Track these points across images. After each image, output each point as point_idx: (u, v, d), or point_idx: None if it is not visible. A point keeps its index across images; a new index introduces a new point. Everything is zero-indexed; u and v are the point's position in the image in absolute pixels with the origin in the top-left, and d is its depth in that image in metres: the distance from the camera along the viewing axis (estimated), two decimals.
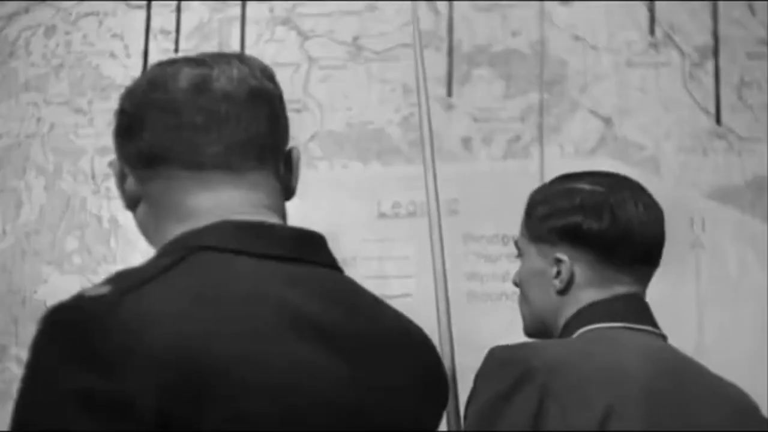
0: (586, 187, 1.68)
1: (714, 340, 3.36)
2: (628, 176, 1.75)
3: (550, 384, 1.51)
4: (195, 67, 1.20)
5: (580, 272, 1.67)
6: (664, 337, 1.68)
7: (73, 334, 0.99)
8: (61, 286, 3.77)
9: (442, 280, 1.90)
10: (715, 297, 3.44)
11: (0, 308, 3.90)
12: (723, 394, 1.65)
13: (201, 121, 1.17)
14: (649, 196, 1.71)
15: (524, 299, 1.75)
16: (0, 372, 3.83)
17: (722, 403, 1.63)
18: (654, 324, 1.68)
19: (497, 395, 1.52)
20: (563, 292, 1.68)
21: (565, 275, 1.67)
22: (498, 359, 1.58)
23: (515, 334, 1.72)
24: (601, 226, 1.65)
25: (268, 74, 1.25)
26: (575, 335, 1.65)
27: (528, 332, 1.77)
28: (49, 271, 3.89)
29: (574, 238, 1.67)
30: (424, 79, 2.07)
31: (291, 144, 1.32)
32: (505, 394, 1.51)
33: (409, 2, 3.47)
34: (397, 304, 1.25)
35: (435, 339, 1.27)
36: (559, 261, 1.68)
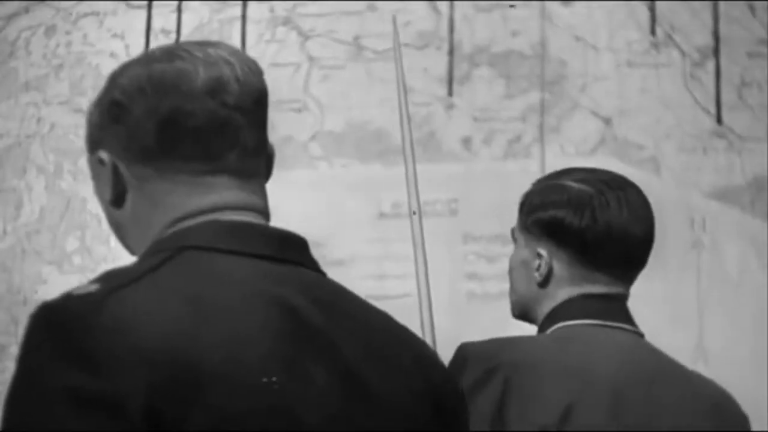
0: (575, 185, 1.70)
1: (714, 340, 3.36)
2: (624, 176, 1.76)
3: (513, 380, 1.53)
4: (206, 68, 1.18)
5: (559, 268, 1.70)
6: (640, 335, 1.69)
7: (60, 333, 0.98)
8: (61, 286, 3.76)
9: (424, 281, 1.92)
10: (716, 296, 3.44)
11: (0, 308, 3.90)
12: (697, 391, 1.66)
13: (217, 127, 1.16)
14: (639, 197, 1.71)
15: (511, 284, 1.79)
16: (0, 372, 3.83)
17: (696, 401, 1.64)
18: (630, 321, 1.69)
19: (465, 389, 1.53)
20: (542, 285, 1.71)
21: (543, 270, 1.70)
22: (464, 355, 1.61)
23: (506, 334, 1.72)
24: (580, 225, 1.67)
25: (260, 71, 1.24)
26: (549, 331, 1.68)
27: (514, 314, 1.81)
28: (49, 271, 3.90)
29: (555, 233, 1.69)
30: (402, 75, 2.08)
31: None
32: (469, 390, 1.53)
33: (404, 3, 3.47)
34: (397, 304, 1.25)
35: (439, 341, 1.27)
36: (539, 255, 1.70)
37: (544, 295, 1.71)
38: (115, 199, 1.20)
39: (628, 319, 1.69)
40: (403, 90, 2.11)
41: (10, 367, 4.03)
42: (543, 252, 1.70)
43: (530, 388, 1.53)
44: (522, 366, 1.55)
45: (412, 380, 1.17)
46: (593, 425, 1.53)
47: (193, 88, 1.16)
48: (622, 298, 1.71)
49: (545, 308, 1.71)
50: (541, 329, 1.70)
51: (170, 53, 1.20)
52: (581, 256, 1.68)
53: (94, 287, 1.02)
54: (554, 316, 1.69)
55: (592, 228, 1.66)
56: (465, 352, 1.61)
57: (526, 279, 1.74)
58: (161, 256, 1.09)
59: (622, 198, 1.69)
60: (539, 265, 1.71)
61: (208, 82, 1.16)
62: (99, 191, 1.22)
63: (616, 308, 1.69)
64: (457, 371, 1.57)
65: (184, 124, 1.16)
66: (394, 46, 2.22)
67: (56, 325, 0.99)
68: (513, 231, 1.80)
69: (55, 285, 3.82)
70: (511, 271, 1.79)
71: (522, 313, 1.78)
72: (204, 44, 1.22)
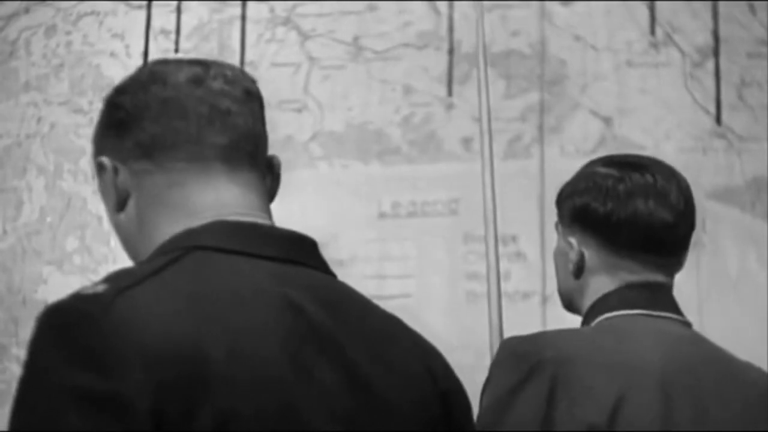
0: (602, 169, 1.69)
1: (714, 339, 3.36)
2: (660, 161, 1.74)
3: (560, 375, 1.51)
4: (192, 65, 1.22)
5: (589, 257, 1.68)
6: (687, 324, 1.67)
7: (68, 333, 0.99)
8: (61, 286, 3.77)
9: (495, 279, 1.91)
10: (716, 296, 3.44)
11: (0, 308, 3.90)
12: (747, 380, 1.63)
13: (206, 113, 1.19)
14: (672, 181, 1.68)
15: (556, 276, 1.78)
16: (0, 372, 3.83)
17: (746, 390, 1.61)
18: (676, 310, 1.67)
19: (508, 388, 1.53)
20: (577, 275, 1.70)
21: (574, 259, 1.69)
22: (510, 351, 1.59)
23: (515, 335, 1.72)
24: (606, 210, 1.65)
25: (253, 79, 1.27)
26: (593, 323, 1.66)
27: (563, 306, 1.79)
28: (49, 271, 3.90)
29: (582, 220, 1.68)
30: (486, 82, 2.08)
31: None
32: (516, 386, 1.52)
33: (404, 3, 3.47)
34: (397, 305, 1.25)
35: (440, 341, 1.27)
36: (571, 245, 1.70)
37: (581, 286, 1.70)
38: (118, 203, 1.22)
39: (673, 307, 1.67)
40: (485, 84, 2.09)
41: (10, 367, 4.04)
42: (573, 241, 1.69)
43: (578, 382, 1.51)
44: (568, 360, 1.53)
45: (416, 382, 1.17)
46: (643, 418, 1.51)
47: (179, 80, 1.20)
48: (665, 287, 1.68)
49: (587, 300, 1.69)
50: (585, 322, 1.69)
51: (159, 60, 1.25)
52: (608, 242, 1.66)
53: (102, 287, 1.03)
54: (597, 307, 1.67)
55: (616, 212, 1.65)
56: (509, 348, 1.60)
57: (564, 270, 1.73)
58: (169, 257, 1.10)
59: (650, 182, 1.66)
60: (571, 256, 1.70)
61: (194, 75, 1.20)
62: (104, 199, 1.24)
63: (659, 297, 1.66)
64: (501, 368, 1.57)
65: (173, 112, 1.19)
66: (478, 35, 2.19)
67: (64, 326, 1.00)
68: (556, 224, 1.78)
69: (55, 285, 3.82)
70: (555, 264, 1.78)
71: (568, 304, 1.76)
72: (201, 59, 1.26)
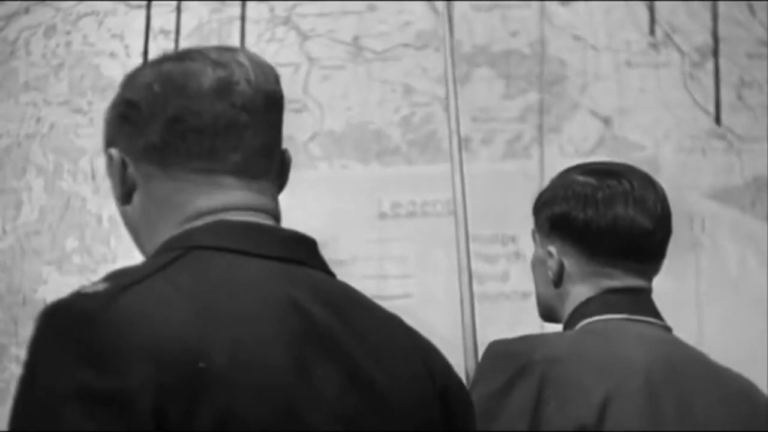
0: (580, 178, 1.69)
1: (714, 340, 3.36)
2: (633, 166, 1.75)
3: (549, 376, 1.52)
4: (215, 68, 1.19)
5: (569, 265, 1.69)
6: (667, 329, 1.68)
7: (68, 331, 0.99)
8: (60, 286, 3.77)
9: (467, 281, 1.92)
10: (715, 297, 3.44)
11: (0, 308, 3.90)
12: (727, 383, 1.65)
13: (222, 128, 1.17)
14: (649, 188, 1.69)
15: (534, 285, 1.78)
16: (0, 372, 3.83)
17: (727, 392, 1.63)
18: (656, 315, 1.68)
19: (496, 389, 1.54)
20: (557, 284, 1.70)
21: (554, 267, 1.69)
22: (496, 353, 1.60)
23: (514, 335, 1.72)
24: (586, 217, 1.65)
25: (276, 76, 1.25)
26: (577, 327, 1.66)
27: (540, 315, 1.79)
28: (49, 271, 3.90)
29: (561, 228, 1.68)
30: (455, 82, 2.08)
31: (288, 145, 1.32)
32: (503, 388, 1.53)
33: (404, 3, 3.47)
34: (397, 305, 1.26)
35: (440, 341, 1.27)
36: (550, 254, 1.69)
37: (561, 295, 1.70)
38: (124, 195, 1.22)
39: (654, 313, 1.68)
40: (452, 76, 2.09)
41: (10, 367, 4.03)
42: (552, 250, 1.69)
43: (567, 382, 1.52)
44: (557, 361, 1.54)
45: (417, 381, 1.17)
46: (631, 417, 1.52)
47: (201, 87, 1.18)
48: (645, 292, 1.69)
49: (567, 307, 1.70)
50: (567, 327, 1.69)
51: (183, 54, 1.23)
52: (589, 250, 1.67)
53: (102, 286, 1.03)
54: (579, 313, 1.67)
55: (595, 220, 1.65)
56: (496, 350, 1.61)
57: (544, 279, 1.73)
58: (171, 255, 1.10)
59: (628, 189, 1.67)
60: (551, 264, 1.70)
61: (216, 82, 1.18)
62: (112, 185, 1.24)
63: (640, 302, 1.67)
64: (488, 369, 1.58)
65: (189, 124, 1.17)
66: (444, 32, 2.20)
67: (65, 324, 1.00)
68: (533, 232, 1.79)
69: (55, 285, 3.82)
70: (533, 272, 1.78)
71: (546, 314, 1.76)
72: (222, 48, 1.23)
